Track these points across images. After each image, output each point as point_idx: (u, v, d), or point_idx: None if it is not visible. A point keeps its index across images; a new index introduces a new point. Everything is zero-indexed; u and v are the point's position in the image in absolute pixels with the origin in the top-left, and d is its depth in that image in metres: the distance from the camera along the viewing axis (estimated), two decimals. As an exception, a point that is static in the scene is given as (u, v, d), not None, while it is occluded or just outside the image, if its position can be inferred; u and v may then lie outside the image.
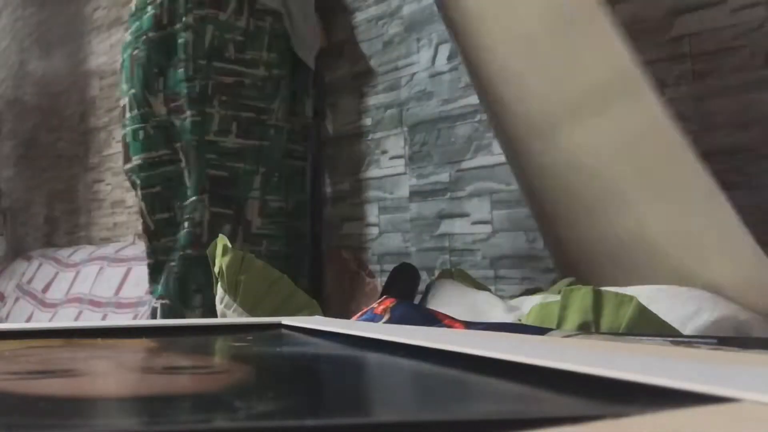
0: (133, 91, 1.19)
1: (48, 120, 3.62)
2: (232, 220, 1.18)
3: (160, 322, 0.59)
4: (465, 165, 1.60)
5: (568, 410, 0.29)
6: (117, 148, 3.03)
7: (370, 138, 1.89)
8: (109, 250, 2.57)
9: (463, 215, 1.63)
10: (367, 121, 1.90)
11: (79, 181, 3.32)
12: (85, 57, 3.29)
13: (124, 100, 1.22)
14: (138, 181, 1.19)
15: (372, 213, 1.87)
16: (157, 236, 1.18)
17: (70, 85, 3.41)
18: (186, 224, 1.15)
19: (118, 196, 3.00)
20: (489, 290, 0.97)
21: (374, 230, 1.85)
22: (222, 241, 1.04)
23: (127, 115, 1.21)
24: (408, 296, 0.79)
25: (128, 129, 1.20)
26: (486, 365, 0.34)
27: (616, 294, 0.71)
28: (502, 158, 1.48)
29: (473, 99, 1.56)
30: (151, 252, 1.18)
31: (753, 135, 1.12)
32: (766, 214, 1.10)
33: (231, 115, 1.18)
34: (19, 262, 3.20)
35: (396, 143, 1.80)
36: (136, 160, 1.19)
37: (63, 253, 2.88)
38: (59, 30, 3.52)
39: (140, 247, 2.41)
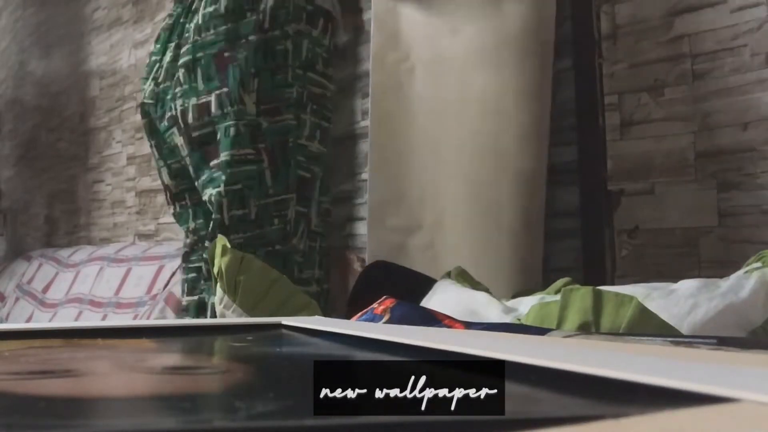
0: (225, 89, 1.21)
1: (48, 120, 3.62)
2: (306, 218, 1.24)
3: (160, 322, 0.59)
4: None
5: (568, 410, 0.29)
6: (117, 148, 3.03)
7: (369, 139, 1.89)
8: (109, 250, 2.57)
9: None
10: (367, 122, 1.90)
11: (79, 181, 3.32)
12: (85, 57, 3.29)
13: (208, 98, 1.22)
14: (223, 177, 1.20)
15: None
16: (229, 232, 1.20)
17: (70, 85, 3.41)
18: (276, 221, 1.22)
19: (118, 196, 3.00)
20: (487, 290, 0.97)
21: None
22: (221, 241, 1.03)
23: (214, 111, 1.22)
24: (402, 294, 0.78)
25: (220, 125, 1.21)
26: (486, 365, 0.34)
27: (617, 294, 0.71)
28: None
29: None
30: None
31: (753, 135, 1.12)
32: (766, 214, 1.10)
33: (316, 122, 1.29)
34: (19, 262, 3.20)
35: None
36: (224, 156, 1.21)
37: (63, 253, 2.88)
38: (59, 30, 3.52)
39: (140, 247, 2.41)
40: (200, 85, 1.23)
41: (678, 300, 0.74)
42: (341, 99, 1.97)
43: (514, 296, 0.93)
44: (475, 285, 0.98)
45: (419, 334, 0.48)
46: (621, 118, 1.28)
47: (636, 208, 1.26)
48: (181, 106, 1.25)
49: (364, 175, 1.91)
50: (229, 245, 1.02)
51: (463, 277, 1.00)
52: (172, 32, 1.35)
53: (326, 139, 1.29)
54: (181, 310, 1.42)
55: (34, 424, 0.26)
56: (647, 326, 0.68)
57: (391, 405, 0.30)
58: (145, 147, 2.83)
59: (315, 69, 1.27)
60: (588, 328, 0.69)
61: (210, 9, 1.24)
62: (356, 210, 1.90)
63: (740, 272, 0.80)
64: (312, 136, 1.26)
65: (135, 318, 2.07)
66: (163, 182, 1.39)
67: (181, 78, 1.26)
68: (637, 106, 1.26)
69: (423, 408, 0.29)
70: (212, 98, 1.22)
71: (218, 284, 1.02)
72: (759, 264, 0.80)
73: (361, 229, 1.88)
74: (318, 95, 1.28)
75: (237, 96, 1.21)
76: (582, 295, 0.71)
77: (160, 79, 1.33)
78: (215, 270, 1.02)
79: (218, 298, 1.02)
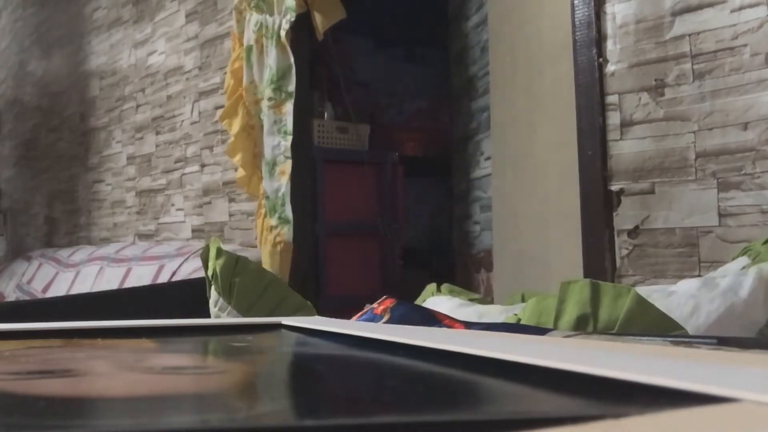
0: None
1: (48, 120, 3.62)
2: None
3: (160, 322, 0.59)
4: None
5: (568, 410, 0.29)
6: (117, 148, 3.03)
7: (474, 140, 1.95)
8: (109, 250, 2.57)
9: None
10: (474, 124, 1.96)
11: (79, 181, 3.32)
12: (85, 57, 3.29)
13: None
14: None
15: (476, 211, 1.94)
16: None
17: (70, 85, 3.42)
18: None
19: (118, 196, 3.00)
20: (485, 300, 0.96)
21: (477, 227, 1.90)
22: (215, 243, 1.03)
23: None
24: None
25: None
26: (486, 365, 0.34)
27: (614, 286, 0.71)
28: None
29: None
30: None
31: (753, 135, 1.12)
32: (766, 214, 1.10)
33: None
34: (19, 262, 3.20)
35: (489, 144, 1.84)
36: None
37: (63, 253, 2.88)
38: (59, 30, 3.52)
39: (140, 247, 2.42)
40: None
41: (679, 301, 0.74)
42: (460, 101, 2.06)
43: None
44: (470, 296, 0.97)
45: (419, 334, 0.48)
46: (621, 118, 1.28)
47: (636, 208, 1.26)
48: None
49: (472, 174, 1.97)
50: (223, 247, 1.02)
51: (456, 291, 0.99)
52: None
53: None
54: None
55: (34, 424, 0.26)
56: (645, 317, 0.68)
57: (391, 405, 0.30)
58: (145, 147, 2.84)
59: None
60: (586, 320, 0.69)
61: None
62: (468, 208, 1.96)
63: (735, 266, 0.80)
64: None
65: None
66: None
67: None
68: (637, 106, 1.26)
69: (423, 408, 0.29)
70: None
71: (212, 286, 1.01)
72: (747, 258, 0.81)
73: (473, 227, 1.94)
74: None
75: None
76: (580, 288, 0.71)
77: None
78: (209, 272, 1.02)
79: (213, 300, 1.02)
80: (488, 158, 1.87)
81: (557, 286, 0.73)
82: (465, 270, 2.02)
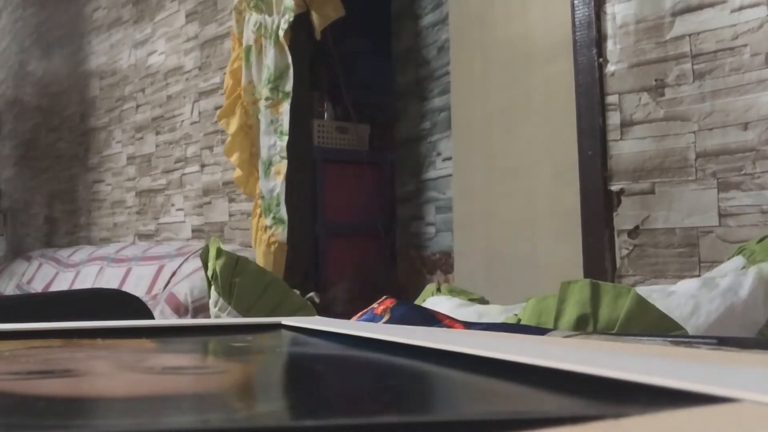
0: None
1: (48, 120, 3.62)
2: None
3: (160, 322, 0.59)
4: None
5: (568, 410, 0.29)
6: (117, 148, 3.03)
7: (428, 140, 1.95)
8: (109, 250, 2.57)
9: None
10: (426, 124, 1.96)
11: (79, 181, 3.32)
12: (85, 57, 3.29)
13: None
14: None
15: (430, 213, 1.93)
16: None
17: (70, 85, 3.42)
18: None
19: (118, 196, 3.00)
20: (485, 300, 0.96)
21: (431, 229, 1.90)
22: (215, 243, 1.03)
23: None
24: None
25: None
26: (486, 365, 0.34)
27: (614, 286, 0.71)
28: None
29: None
30: None
31: (753, 135, 1.12)
32: (766, 214, 1.10)
33: None
34: (19, 262, 3.20)
35: (448, 145, 1.84)
36: None
37: (63, 253, 2.88)
38: (59, 30, 3.52)
39: (140, 247, 2.42)
40: None
41: (679, 301, 0.74)
42: (407, 102, 2.05)
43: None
44: (471, 296, 0.97)
45: (419, 334, 0.48)
46: (621, 118, 1.28)
47: (636, 208, 1.26)
48: None
49: (425, 175, 1.96)
50: (223, 247, 1.02)
51: (456, 291, 0.99)
52: None
53: None
54: None
55: (34, 424, 0.26)
56: (645, 317, 0.68)
57: (391, 405, 0.30)
58: (145, 147, 2.84)
59: None
60: (586, 320, 0.69)
61: None
62: (419, 210, 1.95)
63: (731, 266, 0.80)
64: None
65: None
66: None
67: None
68: (637, 106, 1.26)
69: (423, 408, 0.29)
70: None
71: (212, 286, 1.01)
72: (742, 257, 0.81)
73: (426, 228, 1.94)
74: None
75: None
76: (580, 288, 0.71)
77: None
78: (209, 273, 1.02)
79: (213, 300, 1.02)
80: (447, 159, 1.87)
81: (547, 286, 0.73)
82: (414, 272, 2.01)
